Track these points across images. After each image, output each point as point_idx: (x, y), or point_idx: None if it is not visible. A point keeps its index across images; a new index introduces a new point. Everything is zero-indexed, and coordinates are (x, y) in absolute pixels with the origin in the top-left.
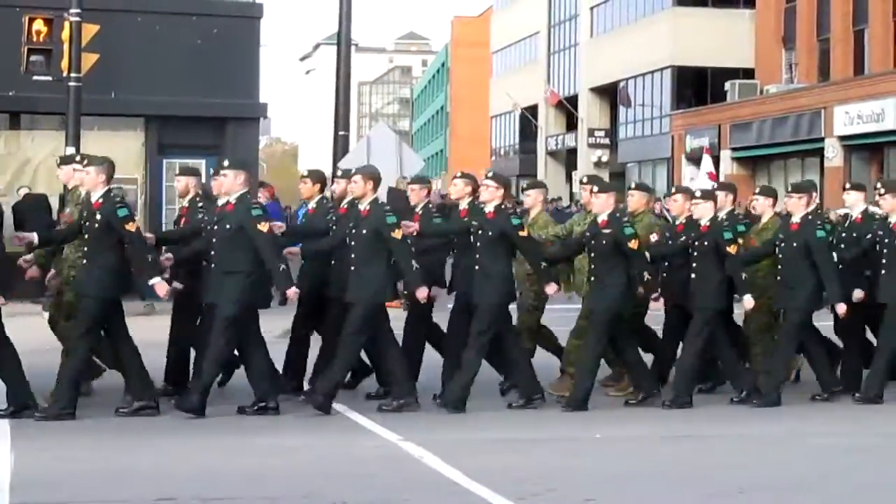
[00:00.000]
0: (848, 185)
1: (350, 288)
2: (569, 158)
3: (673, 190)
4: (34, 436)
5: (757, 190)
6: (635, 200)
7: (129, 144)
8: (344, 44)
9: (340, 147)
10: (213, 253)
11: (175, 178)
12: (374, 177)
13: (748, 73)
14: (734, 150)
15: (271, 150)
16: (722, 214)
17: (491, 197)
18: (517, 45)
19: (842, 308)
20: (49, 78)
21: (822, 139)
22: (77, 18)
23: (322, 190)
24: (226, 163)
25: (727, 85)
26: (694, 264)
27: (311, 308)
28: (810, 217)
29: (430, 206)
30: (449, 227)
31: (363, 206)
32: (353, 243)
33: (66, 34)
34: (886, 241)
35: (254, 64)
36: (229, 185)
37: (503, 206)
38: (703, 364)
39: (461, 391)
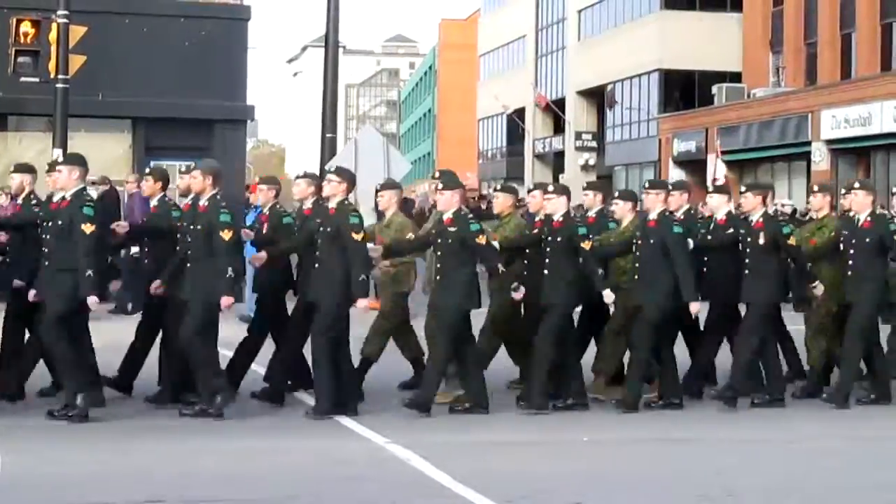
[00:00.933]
0: (711, 189)
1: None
2: (556, 161)
3: (532, 186)
4: (20, 437)
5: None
6: (500, 202)
7: (117, 146)
8: (331, 46)
9: (328, 149)
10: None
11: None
12: (214, 172)
13: (735, 77)
14: (721, 153)
15: (258, 152)
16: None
17: (333, 192)
18: (504, 48)
19: (694, 307)
20: (36, 79)
21: (809, 143)
22: (64, 20)
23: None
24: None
25: (714, 88)
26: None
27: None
28: (666, 214)
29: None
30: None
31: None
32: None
33: (53, 36)
34: (749, 240)
35: (241, 66)
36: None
37: (345, 203)
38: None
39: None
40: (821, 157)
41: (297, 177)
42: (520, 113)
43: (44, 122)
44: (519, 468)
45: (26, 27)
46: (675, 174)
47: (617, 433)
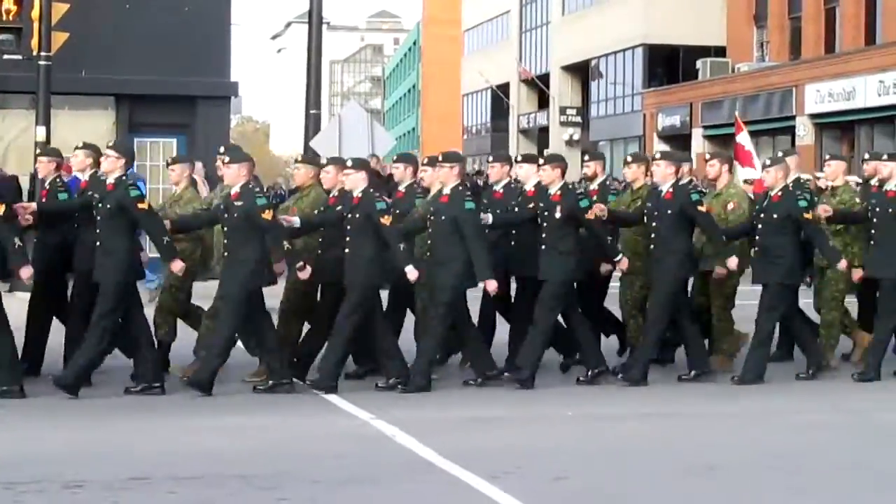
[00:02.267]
0: (519, 158)
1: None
2: (541, 137)
3: (350, 162)
4: (2, 416)
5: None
6: (301, 175)
7: (100, 123)
8: (315, 22)
9: (312, 126)
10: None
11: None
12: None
13: (720, 52)
14: (705, 128)
15: (242, 128)
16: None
17: (111, 167)
18: (489, 23)
19: (492, 285)
20: (19, 57)
21: (793, 117)
22: None
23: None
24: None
25: (699, 63)
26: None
27: None
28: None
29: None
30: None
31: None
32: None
33: (36, 13)
34: (546, 214)
35: (225, 42)
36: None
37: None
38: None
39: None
40: (805, 132)
41: (296, 161)
42: (504, 88)
43: (27, 100)
44: (503, 443)
45: (8, 4)
46: (660, 149)
47: (600, 408)
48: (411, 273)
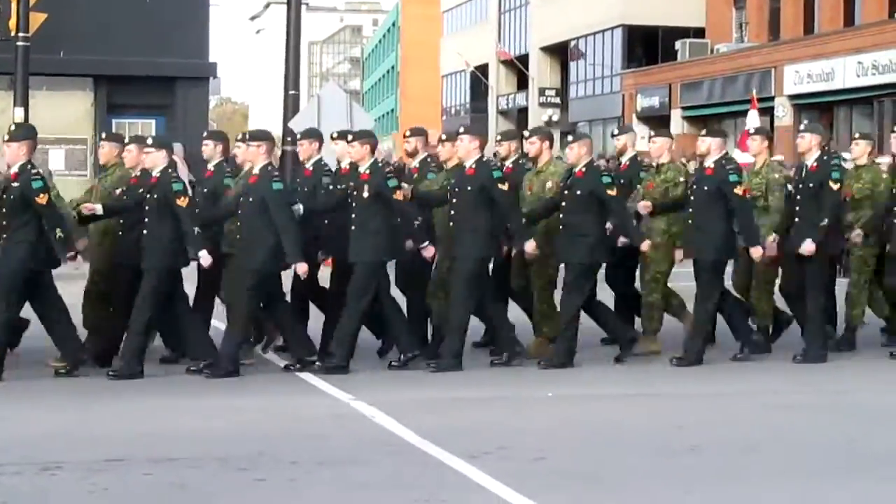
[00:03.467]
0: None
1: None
2: (520, 118)
3: (150, 140)
4: None
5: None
6: (105, 152)
7: (79, 104)
8: (294, 3)
9: (291, 106)
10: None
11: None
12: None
13: (699, 33)
14: (684, 108)
15: (221, 109)
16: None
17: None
18: (468, 4)
19: (302, 268)
20: None
21: (772, 98)
22: None
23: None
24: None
25: (678, 44)
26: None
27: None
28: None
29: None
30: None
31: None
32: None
33: None
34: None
35: (203, 23)
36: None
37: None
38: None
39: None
40: (784, 113)
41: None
42: (483, 69)
43: (5, 81)
44: (483, 424)
45: None
46: (639, 130)
47: (580, 389)
48: (205, 259)
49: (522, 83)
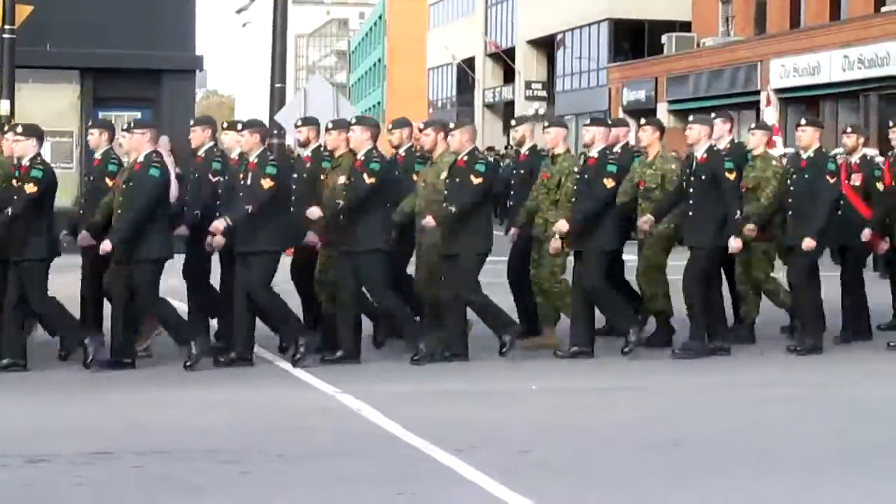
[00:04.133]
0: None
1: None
2: (506, 111)
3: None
4: None
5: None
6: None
7: (65, 97)
8: None
9: (277, 99)
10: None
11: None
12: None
13: (685, 27)
14: (671, 102)
15: (208, 102)
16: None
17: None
18: None
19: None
20: None
21: (758, 92)
22: None
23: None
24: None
25: (664, 38)
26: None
27: None
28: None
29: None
30: None
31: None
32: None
33: None
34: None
35: (190, 16)
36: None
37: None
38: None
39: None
40: (769, 106)
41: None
42: (470, 63)
43: None
44: (469, 417)
45: None
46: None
47: (565, 382)
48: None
49: (509, 76)
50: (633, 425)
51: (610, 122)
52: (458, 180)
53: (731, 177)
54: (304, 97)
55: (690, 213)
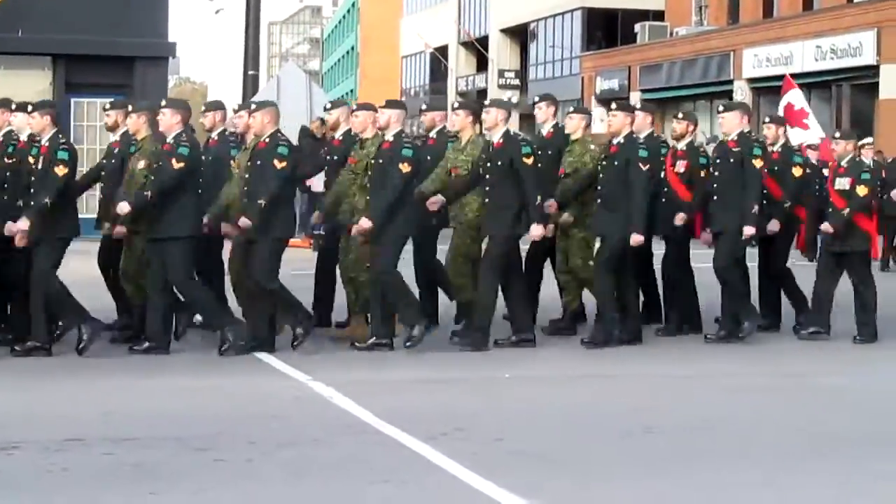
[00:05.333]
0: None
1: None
2: (479, 99)
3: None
4: None
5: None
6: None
7: (37, 83)
8: None
9: (250, 86)
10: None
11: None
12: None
13: (658, 16)
14: (644, 91)
15: (181, 89)
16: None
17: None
18: None
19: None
20: None
21: (731, 81)
22: None
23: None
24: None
25: (637, 27)
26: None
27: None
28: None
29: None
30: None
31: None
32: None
33: None
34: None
35: (162, 3)
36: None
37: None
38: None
39: None
40: (742, 96)
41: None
42: (443, 51)
43: None
44: (441, 405)
45: None
46: (598, 113)
47: (538, 370)
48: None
49: (482, 65)
50: (606, 413)
51: (424, 107)
52: (259, 163)
53: (529, 162)
54: (276, 84)
55: (487, 201)
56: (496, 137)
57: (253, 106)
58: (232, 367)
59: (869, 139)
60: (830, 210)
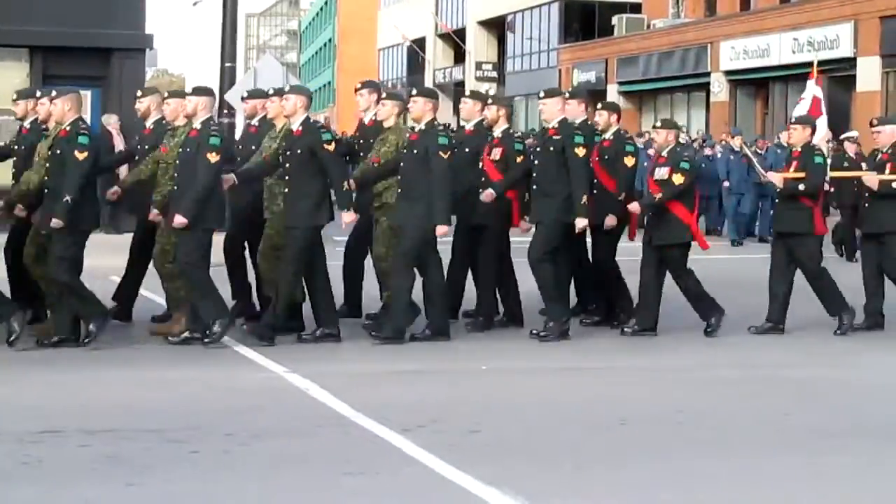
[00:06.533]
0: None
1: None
2: (456, 91)
3: None
4: None
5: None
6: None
7: (14, 75)
8: None
9: (227, 79)
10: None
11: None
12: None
13: (635, 8)
14: (621, 83)
15: (158, 81)
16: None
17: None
18: None
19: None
20: None
21: (708, 74)
22: None
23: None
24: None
25: (615, 19)
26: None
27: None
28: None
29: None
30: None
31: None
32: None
33: None
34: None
35: None
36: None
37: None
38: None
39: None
40: (720, 88)
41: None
42: (420, 43)
43: None
44: (417, 397)
45: None
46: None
47: (514, 362)
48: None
49: (459, 57)
50: (581, 406)
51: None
52: (59, 152)
53: (330, 148)
54: (254, 76)
55: (286, 190)
56: (295, 125)
57: (53, 93)
58: (209, 360)
59: (853, 133)
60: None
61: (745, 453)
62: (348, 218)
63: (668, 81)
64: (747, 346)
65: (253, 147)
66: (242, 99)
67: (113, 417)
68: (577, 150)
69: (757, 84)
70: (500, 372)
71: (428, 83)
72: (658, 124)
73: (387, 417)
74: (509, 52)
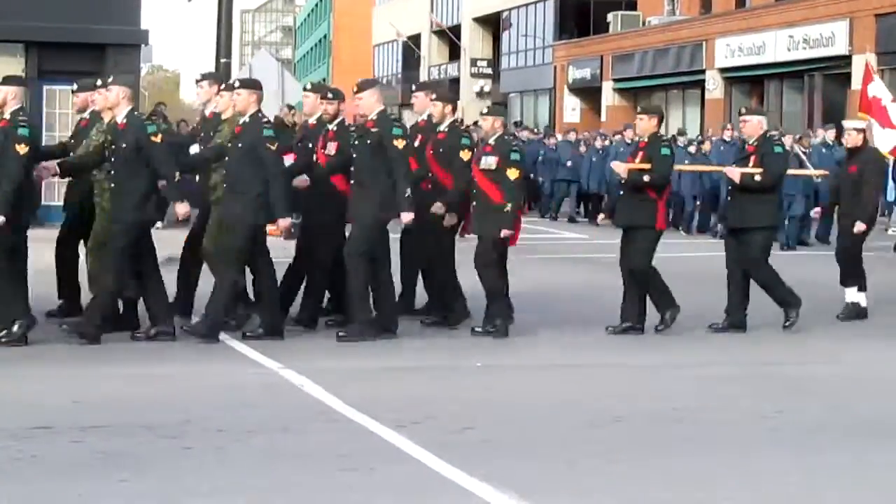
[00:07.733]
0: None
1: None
2: (451, 88)
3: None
4: None
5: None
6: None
7: (9, 70)
8: None
9: (222, 74)
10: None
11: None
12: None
13: (631, 5)
14: (616, 81)
15: (153, 77)
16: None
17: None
18: None
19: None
20: None
21: (703, 71)
22: None
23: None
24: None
25: (610, 16)
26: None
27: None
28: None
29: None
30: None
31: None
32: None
33: None
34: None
35: None
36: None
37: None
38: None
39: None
40: (715, 86)
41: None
42: (415, 39)
43: None
44: (411, 394)
45: None
46: (570, 101)
47: (509, 359)
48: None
49: (454, 53)
50: (575, 402)
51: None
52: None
53: (158, 140)
54: (249, 72)
55: (112, 185)
56: (120, 118)
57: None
58: (203, 355)
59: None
60: (474, 191)
61: (741, 450)
62: (182, 210)
63: (664, 79)
64: (743, 343)
65: (84, 140)
66: (73, 92)
67: (105, 413)
68: (395, 142)
69: (752, 81)
70: (493, 369)
71: (423, 80)
72: (485, 111)
73: (381, 414)
74: (504, 49)
